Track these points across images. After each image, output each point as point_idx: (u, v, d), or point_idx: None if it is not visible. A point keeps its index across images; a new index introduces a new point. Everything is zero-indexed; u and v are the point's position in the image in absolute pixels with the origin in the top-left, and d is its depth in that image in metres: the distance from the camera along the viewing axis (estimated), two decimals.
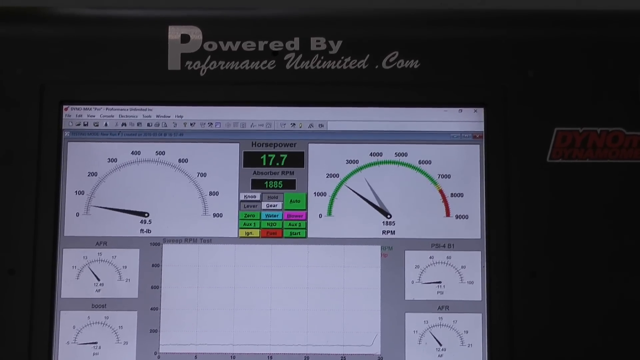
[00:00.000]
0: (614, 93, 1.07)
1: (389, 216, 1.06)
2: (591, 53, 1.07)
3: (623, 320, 1.04)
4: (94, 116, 1.08)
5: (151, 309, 1.05)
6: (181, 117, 1.08)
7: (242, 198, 1.07)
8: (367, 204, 1.06)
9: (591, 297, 1.04)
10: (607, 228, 1.05)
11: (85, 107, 1.08)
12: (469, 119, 1.07)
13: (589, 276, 1.04)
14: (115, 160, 1.07)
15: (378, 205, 1.06)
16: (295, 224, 1.06)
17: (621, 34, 1.08)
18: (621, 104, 1.07)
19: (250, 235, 1.06)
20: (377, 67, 1.08)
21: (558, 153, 1.06)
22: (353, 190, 1.06)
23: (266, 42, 1.08)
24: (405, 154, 1.07)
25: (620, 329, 1.04)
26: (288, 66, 1.08)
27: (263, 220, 1.06)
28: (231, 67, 1.08)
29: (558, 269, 1.04)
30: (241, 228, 1.06)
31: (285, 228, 1.06)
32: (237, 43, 1.08)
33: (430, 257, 1.06)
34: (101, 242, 1.06)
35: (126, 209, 1.06)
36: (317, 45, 1.08)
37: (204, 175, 1.07)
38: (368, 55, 1.08)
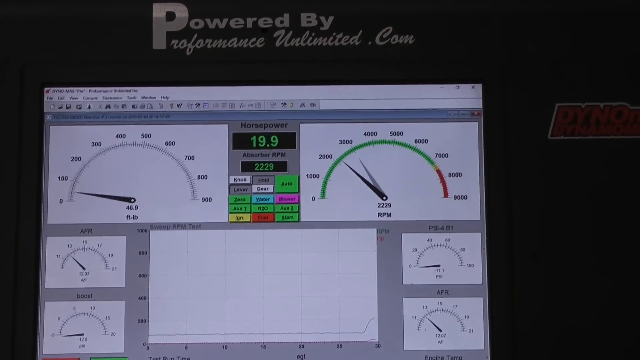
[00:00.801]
0: (617, 66, 1.04)
1: (384, 198, 1.03)
2: (593, 25, 1.05)
3: (628, 303, 1.01)
4: (77, 98, 1.05)
5: (139, 298, 1.02)
6: (167, 98, 1.05)
7: (231, 181, 1.04)
8: (361, 185, 1.04)
9: (595, 278, 1.02)
10: (612, 207, 1.03)
11: (67, 89, 1.05)
12: (467, 96, 1.05)
13: (592, 257, 1.02)
14: (99, 144, 1.04)
15: (375, 185, 1.03)
16: (288, 208, 1.04)
17: (626, 4, 1.06)
18: (625, 77, 1.04)
19: (240, 220, 1.03)
20: (370, 43, 1.05)
21: (559, 130, 1.03)
22: (350, 168, 1.03)
23: (255, 19, 1.06)
24: (400, 133, 1.05)
25: (624, 311, 1.01)
26: (278, 43, 1.05)
27: (254, 204, 1.04)
28: (219, 46, 1.05)
29: (561, 250, 1.02)
30: (231, 213, 1.04)
31: (277, 212, 1.04)
32: (225, 20, 1.05)
33: (428, 240, 1.03)
34: (86, 230, 1.03)
35: (111, 194, 1.04)
36: (308, 22, 1.05)
37: (191, 158, 1.04)
38: (361, 31, 1.05)
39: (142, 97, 1.05)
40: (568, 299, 1.01)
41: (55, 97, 1.05)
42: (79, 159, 1.04)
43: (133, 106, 1.05)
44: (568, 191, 1.03)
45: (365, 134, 1.05)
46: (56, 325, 1.02)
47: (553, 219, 1.02)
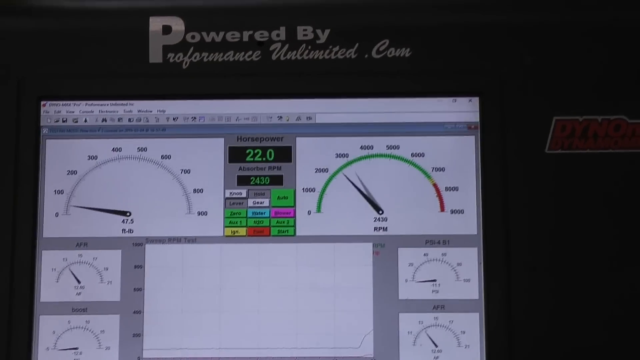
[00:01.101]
0: (615, 79, 1.04)
1: (380, 212, 1.03)
2: (591, 37, 1.04)
3: (627, 318, 1.01)
4: (73, 112, 1.05)
5: (134, 312, 1.02)
6: (163, 111, 1.05)
7: (227, 195, 1.04)
8: (357, 199, 1.03)
9: (594, 293, 1.01)
10: (610, 221, 1.02)
11: (64, 102, 1.05)
12: (464, 109, 1.04)
13: (591, 272, 1.01)
14: (95, 157, 1.05)
15: (371, 199, 1.03)
16: (283, 222, 1.03)
17: (623, 17, 1.05)
18: (623, 91, 1.04)
19: (236, 234, 1.03)
20: (366, 56, 1.05)
21: (557, 143, 1.03)
22: (349, 179, 1.03)
23: (251, 32, 1.05)
24: (397, 147, 1.04)
25: (624, 326, 1.01)
26: (274, 57, 1.05)
27: (250, 218, 1.04)
28: (215, 59, 1.05)
29: (559, 265, 1.01)
30: (227, 226, 1.04)
31: (273, 226, 1.03)
32: (221, 34, 1.05)
33: (424, 255, 1.03)
34: (81, 243, 1.03)
35: (107, 208, 1.04)
36: (304, 35, 1.05)
37: (187, 172, 1.04)
38: (357, 44, 1.05)
39: (139, 111, 1.05)
40: (566, 314, 1.01)
41: (52, 111, 1.05)
42: (75, 172, 1.04)
43: (129, 120, 1.05)
44: (566, 205, 1.02)
45: (361, 147, 1.04)
46: (51, 339, 1.02)
47: (551, 233, 1.02)
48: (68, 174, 1.04)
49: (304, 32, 1.05)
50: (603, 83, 1.04)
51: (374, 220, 1.03)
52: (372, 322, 1.02)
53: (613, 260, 1.01)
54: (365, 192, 1.03)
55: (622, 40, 1.04)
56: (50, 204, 1.04)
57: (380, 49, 1.05)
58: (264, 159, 1.04)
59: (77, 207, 1.04)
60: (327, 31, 1.05)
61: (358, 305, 1.02)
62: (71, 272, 1.03)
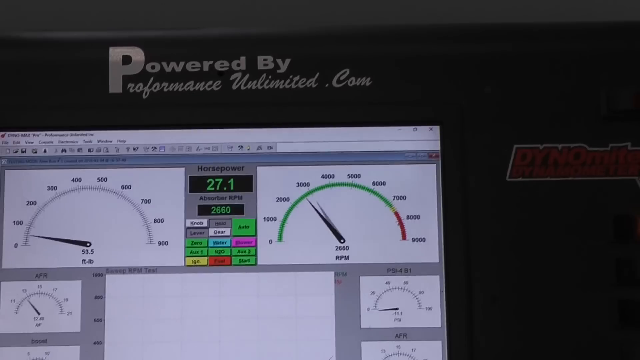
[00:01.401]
0: (574, 108, 1.05)
1: (342, 240, 1.03)
2: (550, 67, 1.05)
3: (590, 347, 1.01)
4: (32, 142, 1.05)
5: (94, 343, 1.02)
6: (124, 141, 1.05)
7: (188, 225, 1.04)
8: (319, 228, 1.04)
9: (556, 322, 1.01)
10: (572, 249, 1.02)
11: (23, 133, 1.05)
12: (424, 138, 1.05)
13: (553, 300, 1.01)
14: (55, 188, 1.04)
15: (333, 227, 1.03)
16: (245, 251, 1.04)
17: (581, 47, 1.06)
18: (583, 120, 1.04)
19: (197, 264, 1.03)
20: (327, 85, 1.05)
21: (518, 171, 1.04)
22: (312, 206, 1.04)
23: (211, 62, 1.06)
24: (358, 175, 1.05)
25: (587, 356, 1.01)
26: (234, 86, 1.06)
27: (211, 247, 1.04)
28: (175, 89, 1.05)
29: (521, 293, 1.02)
30: (188, 256, 1.03)
31: (234, 255, 1.03)
32: (181, 64, 1.06)
33: (386, 283, 1.03)
34: (41, 274, 1.03)
35: (67, 238, 1.03)
36: (265, 64, 1.06)
37: (148, 201, 1.04)
38: (318, 74, 1.06)
39: (98, 141, 1.05)
40: (528, 343, 1.01)
41: (11, 142, 1.05)
42: (34, 203, 1.04)
43: (89, 150, 1.05)
44: (527, 233, 1.02)
45: (322, 176, 1.05)
46: None
47: (513, 261, 1.02)
48: (27, 204, 1.04)
49: (264, 61, 1.06)
50: (562, 112, 1.04)
51: (336, 249, 1.03)
52: (335, 351, 1.02)
53: (575, 288, 1.02)
54: (327, 221, 1.03)
55: (582, 70, 1.05)
56: (9, 235, 1.03)
57: (341, 78, 1.05)
58: (224, 188, 1.04)
59: (37, 237, 1.03)
60: (287, 61, 1.06)
61: (320, 334, 1.02)
62: (30, 303, 1.02)
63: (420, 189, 1.04)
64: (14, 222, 1.04)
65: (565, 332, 1.01)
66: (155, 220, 1.04)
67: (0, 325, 1.02)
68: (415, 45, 1.07)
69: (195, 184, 1.04)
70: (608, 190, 1.03)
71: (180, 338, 1.02)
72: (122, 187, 1.04)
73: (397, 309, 1.03)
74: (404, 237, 1.04)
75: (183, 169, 1.05)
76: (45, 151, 1.05)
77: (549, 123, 1.04)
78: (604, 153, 1.04)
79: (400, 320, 1.02)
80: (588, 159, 1.04)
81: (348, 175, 1.05)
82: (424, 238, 1.04)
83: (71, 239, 1.04)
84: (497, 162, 1.04)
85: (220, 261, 1.03)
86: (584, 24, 1.09)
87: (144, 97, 1.05)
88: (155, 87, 1.05)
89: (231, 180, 1.05)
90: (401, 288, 1.03)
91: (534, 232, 1.03)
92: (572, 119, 1.04)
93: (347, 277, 1.03)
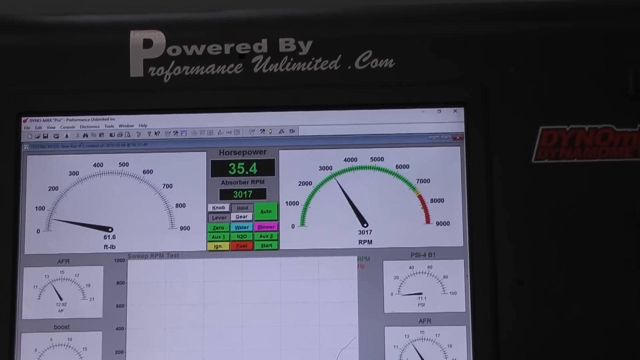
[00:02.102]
0: (602, 87, 1.03)
1: (365, 225, 1.03)
2: (576, 46, 1.04)
3: (617, 330, 1.00)
4: (54, 128, 1.06)
5: (117, 328, 1.02)
6: (145, 126, 1.06)
7: (210, 209, 1.04)
8: (342, 212, 1.03)
9: (583, 306, 1.00)
10: (598, 231, 1.01)
11: (44, 118, 1.06)
12: (449, 120, 1.04)
13: (579, 284, 1.01)
14: (77, 173, 1.05)
15: (359, 210, 1.03)
16: (267, 236, 1.04)
17: (608, 25, 1.05)
18: (610, 99, 1.03)
19: (219, 249, 1.03)
20: (349, 67, 1.05)
21: (544, 153, 1.03)
22: (341, 187, 1.04)
23: (232, 45, 1.06)
24: (381, 159, 1.04)
25: (614, 339, 1.00)
26: (256, 69, 1.06)
27: (232, 232, 1.04)
28: (196, 72, 1.06)
29: (546, 276, 1.01)
30: (210, 241, 1.04)
31: (256, 240, 1.04)
32: (202, 47, 1.06)
33: (410, 267, 1.03)
34: (63, 260, 1.03)
35: (89, 224, 1.04)
36: (286, 47, 1.06)
37: (169, 186, 1.05)
38: (340, 56, 1.05)
39: (120, 126, 1.06)
40: (555, 327, 1.00)
41: (33, 127, 1.05)
42: (56, 188, 1.05)
43: (110, 135, 1.05)
44: (553, 216, 1.02)
45: (345, 159, 1.05)
46: (33, 357, 1.02)
47: (538, 244, 1.01)
48: (49, 190, 1.05)
49: (286, 44, 1.06)
50: (589, 91, 1.03)
51: (359, 233, 1.03)
52: (358, 336, 1.01)
53: (602, 271, 1.01)
54: (347, 206, 1.03)
55: (608, 48, 1.04)
56: (31, 221, 1.04)
57: (364, 60, 1.05)
58: (246, 172, 1.05)
59: (59, 222, 1.04)
60: (309, 43, 1.06)
61: (343, 319, 1.02)
62: (53, 288, 1.03)
63: (444, 171, 1.04)
64: (36, 207, 1.04)
65: (592, 315, 1.00)
66: (177, 205, 1.04)
67: (24, 311, 1.03)
68: (439, 25, 1.06)
69: (217, 168, 1.05)
70: (636, 172, 1.02)
71: (203, 323, 1.02)
72: (144, 171, 1.05)
73: (420, 293, 1.02)
74: (427, 220, 1.03)
75: (205, 153, 1.05)
76: (67, 136, 1.06)
77: (576, 103, 1.03)
78: (632, 134, 1.02)
79: (424, 305, 1.02)
80: (616, 139, 1.03)
81: (371, 158, 1.04)
82: (448, 222, 1.03)
83: (93, 224, 1.04)
84: (523, 143, 1.03)
85: (242, 246, 1.03)
86: (611, 0, 1.07)
87: (165, 80, 1.05)
88: (177, 71, 1.06)
89: (253, 164, 1.05)
90: (425, 272, 1.02)
91: (560, 214, 1.02)
92: (599, 98, 1.03)
93: (370, 262, 1.03)
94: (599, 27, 1.05)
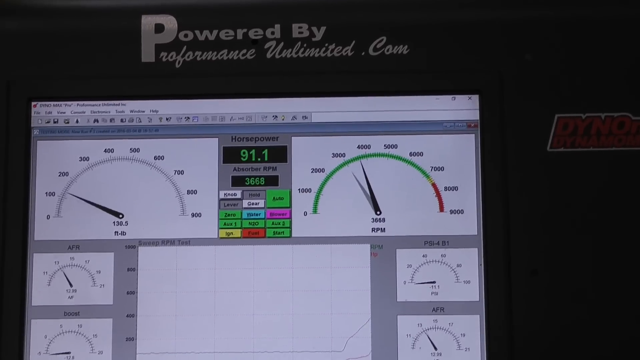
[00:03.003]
0: (618, 75, 1.04)
1: (378, 213, 1.03)
2: (593, 33, 1.04)
3: (633, 321, 1.00)
4: (64, 113, 1.06)
5: (127, 315, 1.03)
6: (156, 111, 1.06)
7: (222, 196, 1.05)
8: (354, 200, 1.04)
9: (596, 296, 1.01)
10: (613, 221, 1.02)
11: (55, 103, 1.06)
12: (463, 107, 1.05)
13: (593, 274, 1.01)
14: (87, 159, 1.05)
15: (373, 197, 1.03)
16: (279, 223, 1.04)
17: (625, 11, 1.05)
18: (626, 87, 1.04)
19: (231, 236, 1.04)
20: (363, 54, 1.05)
21: (559, 141, 1.03)
22: (354, 176, 1.04)
23: (245, 30, 1.06)
24: (395, 146, 1.05)
25: (627, 330, 1.01)
26: (269, 55, 1.06)
27: (244, 219, 1.04)
28: (208, 58, 1.06)
29: (561, 266, 1.01)
30: (221, 228, 1.04)
31: (268, 227, 1.04)
32: (214, 32, 1.06)
33: (423, 256, 1.03)
34: (73, 246, 1.04)
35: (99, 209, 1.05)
36: (300, 32, 1.06)
37: (181, 172, 1.05)
38: (354, 42, 1.06)
39: (131, 111, 1.06)
40: (568, 317, 1.01)
41: (43, 112, 1.06)
42: (66, 174, 1.05)
43: (121, 120, 1.06)
44: (568, 205, 1.02)
45: (358, 146, 1.05)
46: (42, 344, 1.02)
47: (553, 233, 1.02)
48: (59, 175, 1.05)
49: (299, 29, 1.06)
50: (606, 79, 1.04)
51: (372, 221, 1.04)
52: (370, 325, 1.02)
53: (618, 260, 1.01)
54: (362, 193, 1.04)
55: (624, 35, 1.04)
56: (41, 207, 1.04)
57: (378, 46, 1.05)
58: (259, 159, 1.05)
59: (69, 208, 1.04)
60: (322, 28, 1.06)
61: (355, 307, 1.02)
62: (63, 275, 1.03)
63: (459, 159, 1.04)
64: (46, 193, 1.05)
65: (606, 306, 1.01)
66: (189, 192, 1.05)
67: (33, 297, 1.03)
68: (454, 11, 1.06)
69: (229, 155, 1.05)
70: None
71: (214, 311, 1.03)
72: (155, 157, 1.05)
73: (434, 282, 1.03)
74: (441, 209, 1.04)
75: (216, 139, 1.05)
76: (77, 121, 1.06)
77: (592, 91, 1.04)
78: None
79: (437, 293, 1.02)
80: (632, 128, 1.03)
81: (384, 145, 1.05)
82: (462, 210, 1.03)
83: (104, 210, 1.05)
84: (538, 131, 1.03)
85: (254, 233, 1.04)
86: None
87: (177, 66, 1.06)
88: (189, 56, 1.06)
89: (265, 151, 1.05)
90: (438, 261, 1.03)
91: (575, 204, 1.02)
92: (615, 86, 1.04)
93: (383, 250, 1.03)
94: (617, 14, 1.05)
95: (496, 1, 1.07)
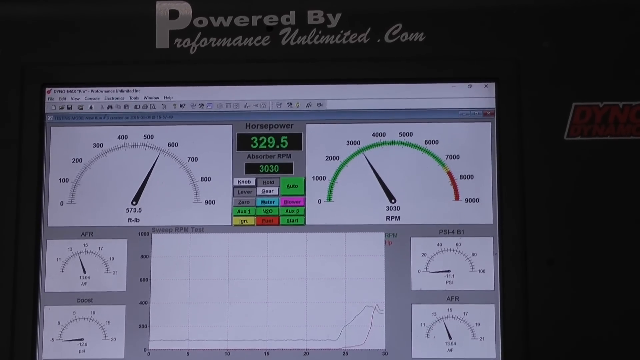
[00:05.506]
0: (636, 64, 1.05)
1: (393, 201, 1.05)
2: (610, 21, 1.06)
3: None
4: (78, 99, 1.08)
5: (140, 302, 1.05)
6: (170, 98, 1.08)
7: (235, 183, 1.07)
8: (369, 188, 1.05)
9: (613, 285, 1.02)
10: (630, 211, 1.03)
11: (69, 89, 1.08)
12: (479, 95, 1.06)
13: (610, 263, 1.03)
14: (101, 145, 1.08)
15: (386, 186, 1.05)
16: (293, 211, 1.06)
17: None
18: None
19: (244, 223, 1.06)
20: (379, 41, 1.07)
21: (576, 130, 1.05)
22: (369, 162, 1.06)
23: (260, 17, 1.08)
24: (410, 134, 1.07)
25: None
26: (284, 42, 1.08)
27: (258, 207, 1.06)
28: (223, 44, 1.08)
29: (577, 255, 1.03)
30: (235, 215, 1.06)
31: (282, 215, 1.06)
32: (229, 18, 1.08)
33: (438, 244, 1.05)
34: (87, 233, 1.06)
35: (113, 197, 1.07)
36: (315, 19, 1.08)
37: (195, 159, 1.07)
38: (369, 29, 1.07)
39: (145, 98, 1.08)
40: (584, 306, 1.02)
41: (57, 98, 1.08)
42: (80, 160, 1.07)
43: (135, 106, 1.08)
44: (585, 194, 1.04)
45: (373, 134, 1.07)
46: (56, 330, 1.05)
47: (569, 222, 1.03)
48: (73, 161, 1.07)
49: (314, 16, 1.08)
50: (624, 67, 1.05)
51: (386, 209, 1.05)
52: (385, 314, 1.04)
53: (634, 250, 1.03)
54: (375, 182, 1.05)
55: None
56: (55, 193, 1.07)
57: (393, 33, 1.07)
58: (273, 146, 1.07)
59: (83, 195, 1.06)
60: (338, 15, 1.07)
61: (370, 296, 1.04)
62: (78, 261, 1.06)
63: (474, 147, 1.06)
64: (60, 179, 1.07)
65: (623, 295, 1.02)
66: (202, 179, 1.07)
67: (46, 283, 1.05)
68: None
69: (243, 142, 1.07)
70: None
71: (227, 298, 1.05)
72: (169, 144, 1.07)
73: (449, 271, 1.04)
74: (456, 197, 1.05)
75: (231, 126, 1.07)
76: (91, 107, 1.08)
77: (610, 79, 1.05)
78: None
79: (452, 282, 1.04)
80: None
81: (400, 133, 1.07)
82: (477, 198, 1.05)
83: (117, 197, 1.06)
84: (555, 120, 1.05)
85: (268, 221, 1.06)
86: None
87: (192, 52, 1.08)
88: (203, 43, 1.08)
89: (280, 138, 1.07)
90: (453, 250, 1.05)
91: (592, 193, 1.04)
92: (633, 75, 1.05)
93: (398, 238, 1.05)
94: (636, 2, 1.06)
95: None
